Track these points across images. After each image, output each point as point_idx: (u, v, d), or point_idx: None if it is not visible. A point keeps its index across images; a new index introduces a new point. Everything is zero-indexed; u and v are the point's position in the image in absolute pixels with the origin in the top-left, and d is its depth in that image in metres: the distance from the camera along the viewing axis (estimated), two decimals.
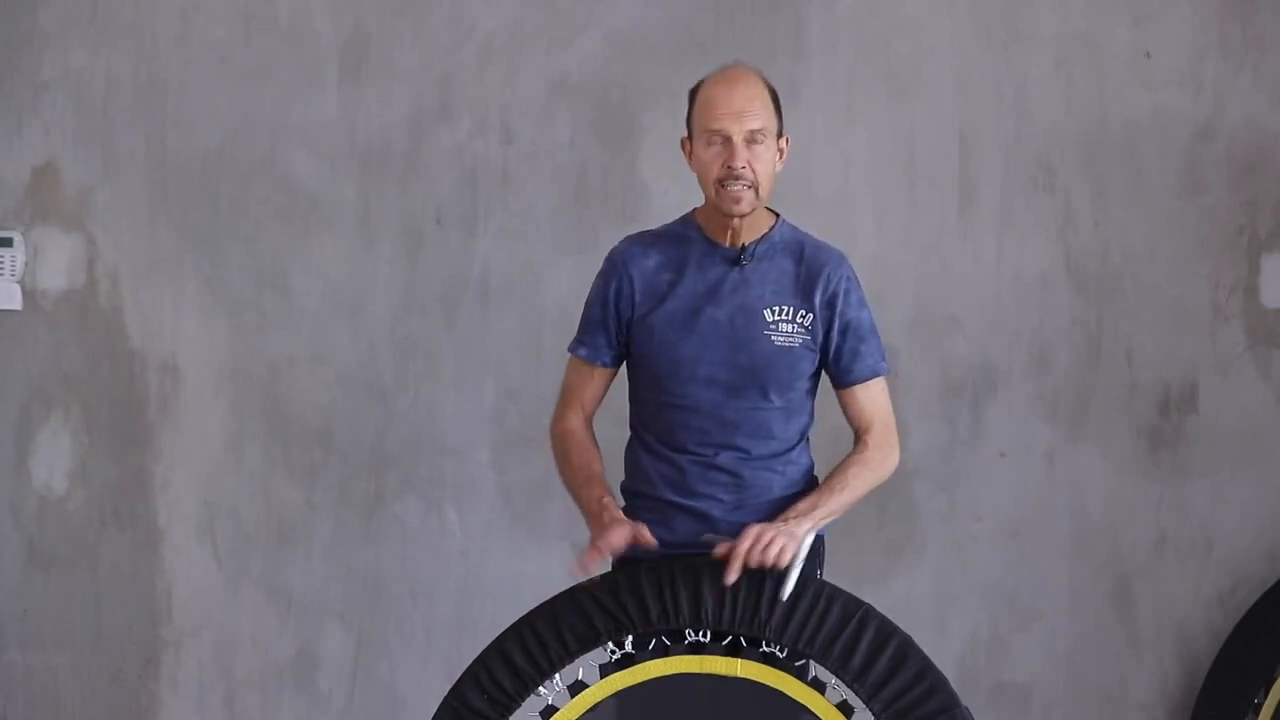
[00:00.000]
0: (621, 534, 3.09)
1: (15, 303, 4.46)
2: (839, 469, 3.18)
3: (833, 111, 4.34)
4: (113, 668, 4.47)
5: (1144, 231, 4.31)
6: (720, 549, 3.05)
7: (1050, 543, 4.32)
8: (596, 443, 3.30)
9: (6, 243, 4.44)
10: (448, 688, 3.12)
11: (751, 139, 3.11)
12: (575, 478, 3.25)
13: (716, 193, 3.14)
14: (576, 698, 3.09)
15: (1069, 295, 4.32)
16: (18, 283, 4.45)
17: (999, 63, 4.32)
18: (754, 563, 3.02)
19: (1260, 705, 4.06)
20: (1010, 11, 4.32)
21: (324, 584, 4.43)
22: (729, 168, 3.10)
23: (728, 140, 3.11)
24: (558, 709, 3.09)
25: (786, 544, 3.03)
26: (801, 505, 3.12)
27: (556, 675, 3.09)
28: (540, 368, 4.35)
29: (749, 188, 3.11)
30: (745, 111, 3.11)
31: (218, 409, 4.45)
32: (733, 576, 3.02)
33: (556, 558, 4.26)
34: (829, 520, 3.15)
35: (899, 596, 4.22)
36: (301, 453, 4.43)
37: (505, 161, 4.39)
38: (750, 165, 3.10)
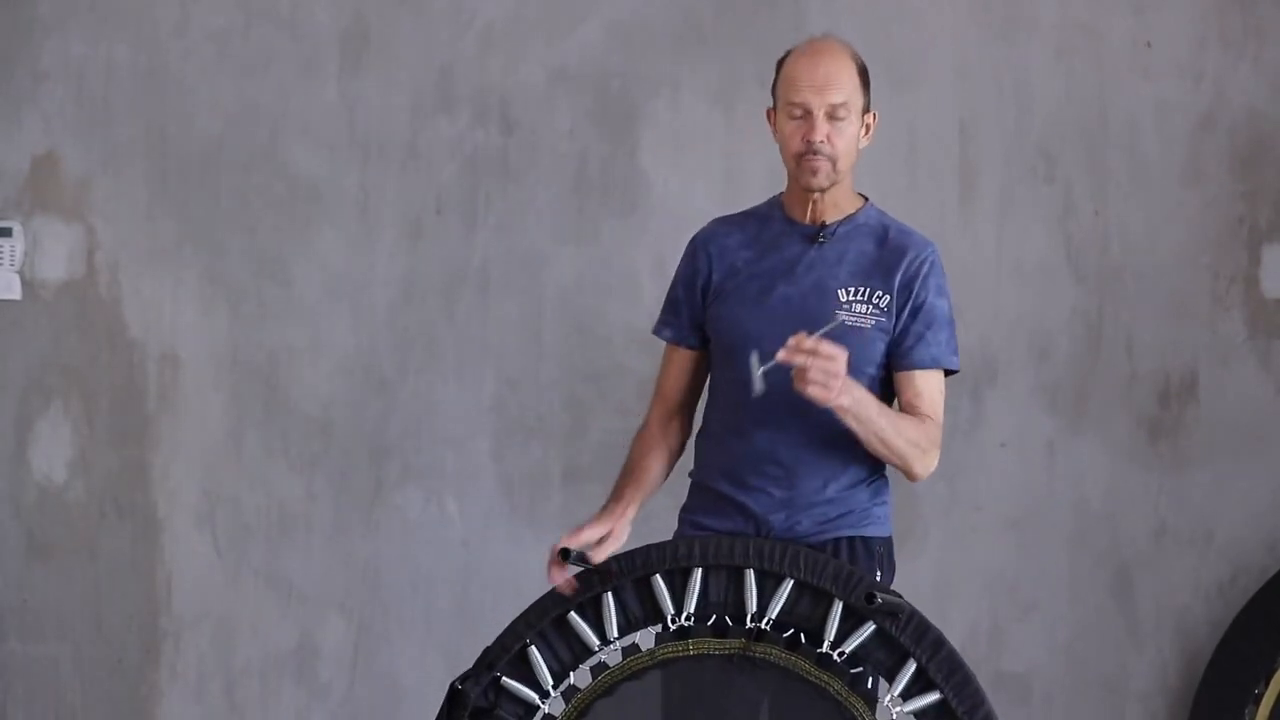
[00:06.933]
0: (581, 535, 3.08)
1: (14, 293, 4.45)
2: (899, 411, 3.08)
3: None
4: (113, 657, 4.47)
5: (1144, 221, 4.31)
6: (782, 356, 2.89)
7: (1050, 533, 4.32)
8: (672, 437, 3.24)
9: (6, 233, 4.44)
10: (448, 678, 3.09)
11: (833, 113, 3.07)
12: (622, 469, 3.21)
13: (796, 164, 3.11)
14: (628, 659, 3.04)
15: (1069, 285, 4.32)
16: (17, 273, 4.45)
17: (999, 52, 4.32)
18: (802, 374, 2.87)
19: (1261, 695, 4.06)
20: (1011, 1, 4.32)
21: (324, 574, 4.43)
22: (808, 142, 3.08)
23: (808, 113, 3.07)
24: (608, 666, 3.05)
25: (832, 384, 2.89)
26: (860, 392, 2.98)
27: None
28: (540, 357, 4.35)
29: (827, 160, 3.08)
30: (827, 85, 3.07)
31: (217, 399, 4.45)
32: (782, 355, 2.86)
33: None
34: (862, 427, 3.00)
35: (899, 586, 4.19)
36: (301, 442, 4.43)
37: (505, 151, 4.38)
38: (830, 139, 3.07)
